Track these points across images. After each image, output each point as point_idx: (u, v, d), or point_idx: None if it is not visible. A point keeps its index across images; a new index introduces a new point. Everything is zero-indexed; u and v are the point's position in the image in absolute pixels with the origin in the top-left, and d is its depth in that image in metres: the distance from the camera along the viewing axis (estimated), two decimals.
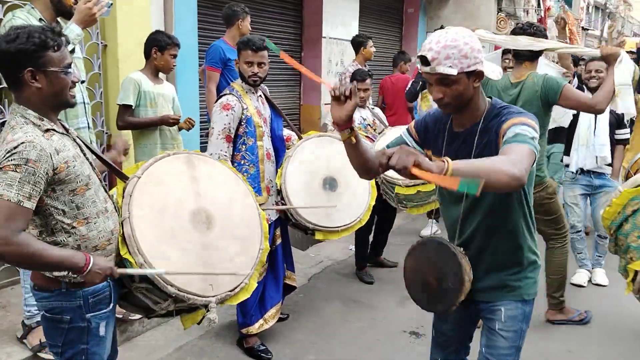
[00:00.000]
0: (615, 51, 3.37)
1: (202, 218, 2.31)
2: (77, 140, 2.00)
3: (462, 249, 2.04)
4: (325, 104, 7.27)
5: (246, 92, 3.36)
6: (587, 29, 25.74)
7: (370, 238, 4.89)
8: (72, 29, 2.91)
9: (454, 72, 1.80)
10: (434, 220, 5.96)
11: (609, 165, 4.51)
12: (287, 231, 3.73)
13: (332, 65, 7.41)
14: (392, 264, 4.97)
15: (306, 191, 3.49)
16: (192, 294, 2.13)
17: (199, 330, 3.63)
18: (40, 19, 2.98)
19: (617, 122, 4.55)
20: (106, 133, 4.45)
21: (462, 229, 2.07)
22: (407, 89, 5.94)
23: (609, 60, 3.41)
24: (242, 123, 3.28)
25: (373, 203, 3.74)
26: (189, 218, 2.27)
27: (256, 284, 2.46)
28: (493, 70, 2.39)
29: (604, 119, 4.47)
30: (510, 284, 2.07)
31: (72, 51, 2.93)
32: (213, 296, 2.19)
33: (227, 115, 3.22)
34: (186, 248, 2.20)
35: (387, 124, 4.84)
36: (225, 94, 3.33)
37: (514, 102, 3.38)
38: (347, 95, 1.78)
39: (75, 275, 1.90)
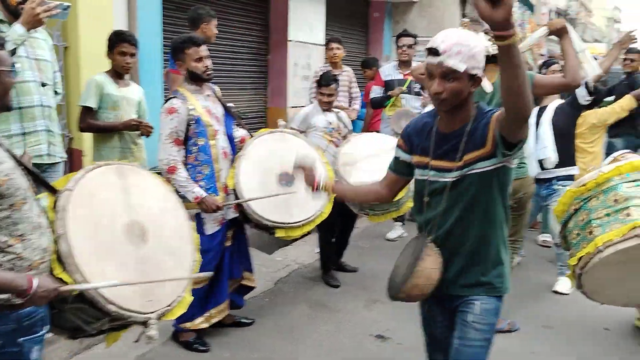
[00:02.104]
0: (561, 22, 3.39)
1: (136, 231, 2.25)
2: (9, 150, 1.87)
3: (437, 247, 2.09)
4: (292, 107, 7.26)
5: (192, 93, 3.32)
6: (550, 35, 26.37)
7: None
8: (14, 30, 2.84)
9: (462, 67, 1.88)
10: (401, 224, 6.02)
11: (565, 166, 4.55)
12: (244, 232, 3.71)
13: (299, 68, 7.42)
14: (352, 268, 4.97)
15: (262, 189, 3.45)
16: (133, 311, 2.07)
17: (163, 336, 3.57)
18: (1, 20, 2.92)
19: (573, 108, 4.57)
20: (67, 136, 4.35)
21: (442, 223, 2.09)
22: (371, 96, 5.99)
23: (561, 32, 3.38)
24: (191, 124, 3.24)
25: (333, 195, 3.72)
26: (124, 231, 2.21)
27: (191, 297, 2.43)
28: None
29: (547, 121, 4.54)
30: (488, 281, 2.12)
31: (14, 52, 2.86)
32: (153, 312, 2.14)
33: (172, 119, 3.19)
34: (123, 263, 2.15)
35: (351, 128, 4.86)
36: (169, 98, 3.29)
37: (489, 103, 3.43)
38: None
39: (8, 298, 1.70)
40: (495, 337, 3.75)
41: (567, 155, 4.56)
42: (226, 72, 6.55)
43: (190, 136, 3.26)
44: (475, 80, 1.94)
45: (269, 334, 3.78)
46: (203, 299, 3.46)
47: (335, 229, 4.73)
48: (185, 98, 3.26)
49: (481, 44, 1.94)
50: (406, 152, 2.23)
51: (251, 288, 3.87)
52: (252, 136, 3.65)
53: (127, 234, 2.21)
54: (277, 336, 3.76)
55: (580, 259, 2.36)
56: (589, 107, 5.06)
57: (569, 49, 3.30)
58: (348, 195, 2.69)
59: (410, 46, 5.73)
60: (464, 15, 10.42)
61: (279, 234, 3.55)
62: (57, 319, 2.07)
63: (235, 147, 3.54)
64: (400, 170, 2.29)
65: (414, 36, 5.87)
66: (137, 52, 3.76)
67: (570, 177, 4.46)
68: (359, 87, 6.20)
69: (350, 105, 6.07)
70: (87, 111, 3.66)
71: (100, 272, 2.03)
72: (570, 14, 31.18)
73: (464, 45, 1.88)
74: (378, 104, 5.96)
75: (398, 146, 2.27)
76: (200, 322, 3.47)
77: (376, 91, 5.94)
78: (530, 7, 20.42)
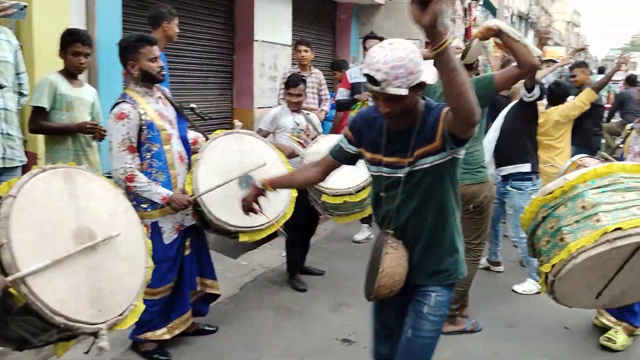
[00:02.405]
0: (487, 27, 3.36)
1: (84, 237, 2.16)
2: None
3: (394, 242, 2.15)
4: (258, 108, 7.18)
5: (142, 96, 3.17)
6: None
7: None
8: None
9: (404, 92, 1.88)
10: (368, 225, 6.00)
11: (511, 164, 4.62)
12: (204, 239, 3.62)
13: (265, 69, 7.34)
14: (318, 271, 4.91)
15: (223, 193, 3.35)
16: (82, 322, 1.98)
17: (122, 346, 3.46)
18: None
19: (520, 106, 4.60)
20: (20, 137, 4.17)
21: (399, 216, 2.17)
22: (337, 98, 5.98)
23: (495, 33, 3.37)
24: (143, 129, 3.09)
25: (295, 195, 3.69)
26: (72, 239, 2.11)
27: (143, 306, 2.36)
28: (430, 73, 2.31)
29: (499, 120, 4.70)
30: (444, 268, 2.22)
31: None
32: (103, 322, 2.06)
33: (123, 125, 3.03)
34: (72, 272, 2.05)
35: (320, 130, 4.83)
36: (117, 103, 3.12)
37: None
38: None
39: None
40: (459, 338, 3.83)
41: (516, 153, 4.61)
42: (190, 72, 6.43)
43: (142, 142, 3.11)
44: (420, 86, 1.96)
45: (233, 342, 3.69)
46: (165, 309, 3.35)
47: (303, 231, 4.68)
48: (135, 102, 3.10)
49: (415, 50, 1.91)
50: (352, 144, 2.30)
51: (216, 296, 3.77)
52: (207, 138, 3.55)
53: (75, 242, 2.12)
54: (241, 343, 3.68)
55: (553, 266, 2.38)
56: (552, 103, 5.25)
57: (510, 42, 3.28)
58: (285, 185, 2.75)
59: None
60: None
61: (243, 238, 3.46)
62: (2, 330, 1.98)
63: (191, 150, 3.45)
64: (341, 158, 2.37)
65: (381, 39, 5.86)
66: (91, 52, 3.62)
67: (524, 175, 4.57)
68: (328, 89, 6.18)
69: (319, 107, 6.07)
70: (38, 112, 3.51)
71: (49, 283, 1.93)
72: (531, 18, 31.92)
73: (400, 67, 1.86)
74: (344, 107, 5.95)
75: (345, 136, 2.32)
76: (162, 333, 3.35)
77: (342, 93, 5.93)
78: (493, 11, 20.81)
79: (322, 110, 6.03)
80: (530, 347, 3.80)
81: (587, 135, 6.05)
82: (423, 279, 2.22)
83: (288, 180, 2.75)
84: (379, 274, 2.08)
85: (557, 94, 5.29)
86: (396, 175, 2.14)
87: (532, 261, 4.51)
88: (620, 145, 4.30)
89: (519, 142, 4.59)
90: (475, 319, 3.99)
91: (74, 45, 3.50)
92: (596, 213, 2.30)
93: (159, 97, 3.27)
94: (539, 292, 4.58)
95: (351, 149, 2.30)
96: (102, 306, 2.08)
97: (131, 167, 3.05)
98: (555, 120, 5.19)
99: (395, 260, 2.11)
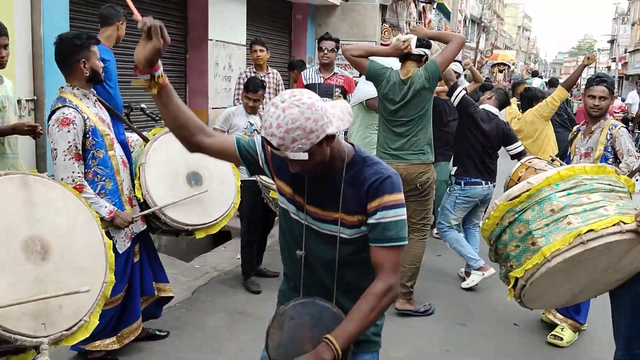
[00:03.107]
0: (400, 44, 3.93)
1: (36, 247, 2.09)
2: None
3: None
4: (213, 108, 7.09)
5: (81, 99, 3.01)
6: (465, 42, 27.56)
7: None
8: None
9: (304, 156, 1.62)
10: None
11: None
12: (152, 244, 3.57)
13: (220, 68, 7.25)
14: (272, 273, 4.88)
15: (173, 194, 3.33)
16: (20, 334, 1.91)
17: (67, 357, 3.34)
18: None
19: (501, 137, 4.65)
20: None
21: (339, 272, 1.84)
22: None
23: (429, 34, 4.20)
24: (88, 135, 2.96)
25: (239, 183, 3.72)
26: (21, 247, 2.05)
27: (97, 322, 2.27)
28: (340, 118, 1.98)
29: None
30: (372, 339, 1.93)
31: None
32: (45, 336, 1.98)
33: (68, 131, 2.86)
34: (16, 281, 1.98)
35: None
36: (57, 108, 2.92)
37: (405, 94, 3.90)
38: (148, 34, 1.64)
39: None
40: (411, 337, 3.88)
41: (456, 154, 4.84)
42: None
43: (87, 149, 2.97)
44: (328, 138, 1.66)
45: (185, 347, 3.62)
46: (115, 318, 3.26)
47: (259, 229, 4.66)
48: (77, 106, 2.94)
49: (313, 103, 1.61)
50: (267, 167, 1.92)
51: (169, 298, 3.70)
52: (146, 140, 3.46)
53: (25, 251, 2.05)
54: (193, 348, 3.61)
55: (526, 270, 2.37)
56: (526, 107, 5.59)
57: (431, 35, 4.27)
58: (174, 103, 1.81)
59: (331, 50, 5.74)
60: (384, 21, 10.64)
61: (199, 235, 3.47)
62: None
63: (131, 154, 3.37)
64: (245, 159, 1.91)
65: (336, 40, 5.88)
66: (9, 43, 3.25)
67: (455, 177, 4.73)
68: (286, 89, 6.16)
69: None
70: None
71: None
72: (484, 22, 32.75)
73: (295, 129, 1.58)
74: None
75: (263, 150, 1.89)
76: (110, 343, 3.25)
77: None
78: (447, 14, 21.23)
79: None
80: (481, 343, 3.89)
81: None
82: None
83: (180, 106, 1.82)
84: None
85: (527, 97, 5.75)
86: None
87: (464, 252, 4.71)
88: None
89: (460, 147, 4.73)
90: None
91: None
92: (566, 216, 2.33)
93: (96, 100, 3.16)
94: (484, 276, 4.71)
95: (262, 164, 1.91)
96: (47, 319, 2.01)
97: (80, 177, 2.90)
98: (530, 120, 5.47)
99: None
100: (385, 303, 1.73)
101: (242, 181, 4.03)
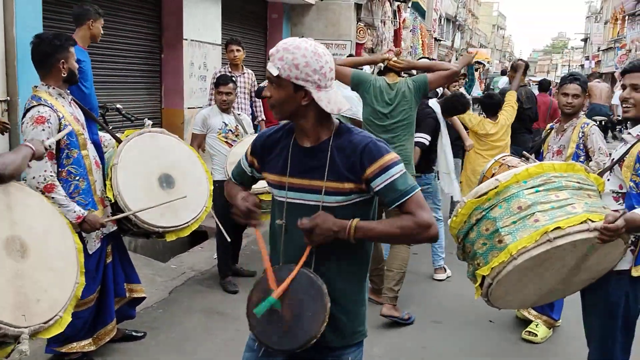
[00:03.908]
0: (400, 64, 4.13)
1: (16, 246, 2.21)
2: None
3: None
4: (189, 108, 7.07)
5: (56, 98, 3.01)
6: (440, 40, 27.81)
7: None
8: None
9: (274, 72, 1.76)
10: None
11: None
12: (123, 245, 3.56)
13: (195, 68, 7.23)
14: (249, 272, 4.89)
15: (146, 196, 3.31)
16: (4, 323, 2.01)
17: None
18: None
19: None
20: None
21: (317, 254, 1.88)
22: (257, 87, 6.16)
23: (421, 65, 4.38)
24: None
25: (212, 187, 3.71)
26: (3, 245, 2.15)
27: (70, 318, 2.35)
28: (333, 101, 2.04)
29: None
30: (358, 329, 1.97)
31: None
32: (26, 327, 2.08)
33: (43, 129, 2.84)
34: None
35: (251, 131, 4.82)
36: (33, 106, 2.91)
37: (394, 98, 3.99)
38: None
39: None
40: (388, 334, 3.93)
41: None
42: (116, 71, 6.24)
43: (62, 148, 2.97)
44: (305, 93, 1.78)
45: (162, 347, 3.63)
46: (90, 320, 3.26)
47: (234, 229, 4.67)
48: (52, 105, 2.94)
49: (319, 58, 1.77)
50: (255, 170, 2.08)
51: (142, 299, 3.70)
52: (119, 141, 3.44)
53: (6, 248, 2.17)
54: (170, 349, 3.62)
55: (492, 268, 2.35)
56: (491, 113, 5.67)
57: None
58: None
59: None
60: (359, 20, 10.70)
61: (170, 237, 3.44)
62: None
63: (104, 155, 3.37)
64: (245, 181, 2.20)
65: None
66: None
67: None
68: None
69: (252, 107, 6.17)
70: None
71: None
72: (458, 20, 33.05)
73: (290, 52, 1.75)
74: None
75: (246, 159, 2.09)
76: (86, 344, 3.25)
77: None
78: (422, 13, 21.39)
79: (262, 120, 6.22)
80: (456, 340, 3.96)
81: (515, 134, 6.39)
82: (336, 339, 1.92)
83: None
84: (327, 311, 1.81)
85: (490, 105, 5.75)
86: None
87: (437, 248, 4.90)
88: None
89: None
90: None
91: None
92: (533, 213, 2.30)
93: (72, 100, 3.16)
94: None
95: (250, 171, 2.09)
96: (26, 311, 2.11)
97: (52, 176, 2.88)
98: (507, 125, 5.59)
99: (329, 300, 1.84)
100: (417, 232, 1.79)
101: (216, 182, 4.05)
